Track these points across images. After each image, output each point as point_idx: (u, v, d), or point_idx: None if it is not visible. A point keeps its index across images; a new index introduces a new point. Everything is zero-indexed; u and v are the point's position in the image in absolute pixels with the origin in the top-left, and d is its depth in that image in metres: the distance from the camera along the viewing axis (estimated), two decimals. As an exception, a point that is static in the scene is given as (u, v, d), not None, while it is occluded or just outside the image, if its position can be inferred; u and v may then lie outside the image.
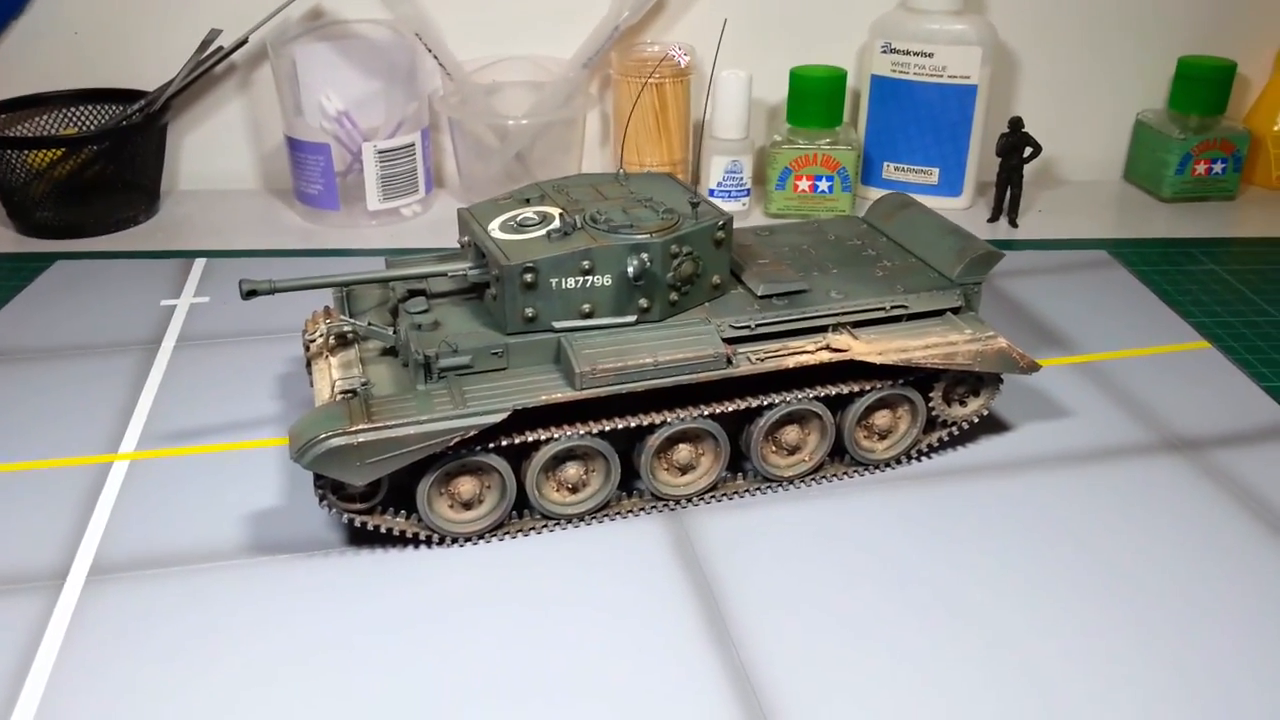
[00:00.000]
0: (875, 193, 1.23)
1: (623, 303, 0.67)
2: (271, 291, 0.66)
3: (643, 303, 0.67)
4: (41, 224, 1.11)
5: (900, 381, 0.71)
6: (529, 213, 0.70)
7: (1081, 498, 0.71)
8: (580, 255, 0.65)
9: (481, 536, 0.67)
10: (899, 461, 0.74)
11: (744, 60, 1.20)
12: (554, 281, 0.65)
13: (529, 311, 0.66)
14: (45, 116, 1.18)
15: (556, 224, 0.68)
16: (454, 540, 0.67)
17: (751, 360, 0.67)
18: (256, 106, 1.23)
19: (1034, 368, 0.73)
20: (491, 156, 1.18)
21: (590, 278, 0.66)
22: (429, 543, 0.66)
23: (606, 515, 0.69)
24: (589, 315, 0.67)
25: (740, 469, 0.72)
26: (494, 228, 0.69)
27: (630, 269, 0.65)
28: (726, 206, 1.16)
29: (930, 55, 1.16)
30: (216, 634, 0.60)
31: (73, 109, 1.18)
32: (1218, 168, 1.23)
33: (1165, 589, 0.63)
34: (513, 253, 0.65)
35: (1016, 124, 1.14)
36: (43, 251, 1.08)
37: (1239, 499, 0.71)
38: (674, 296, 0.68)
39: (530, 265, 0.64)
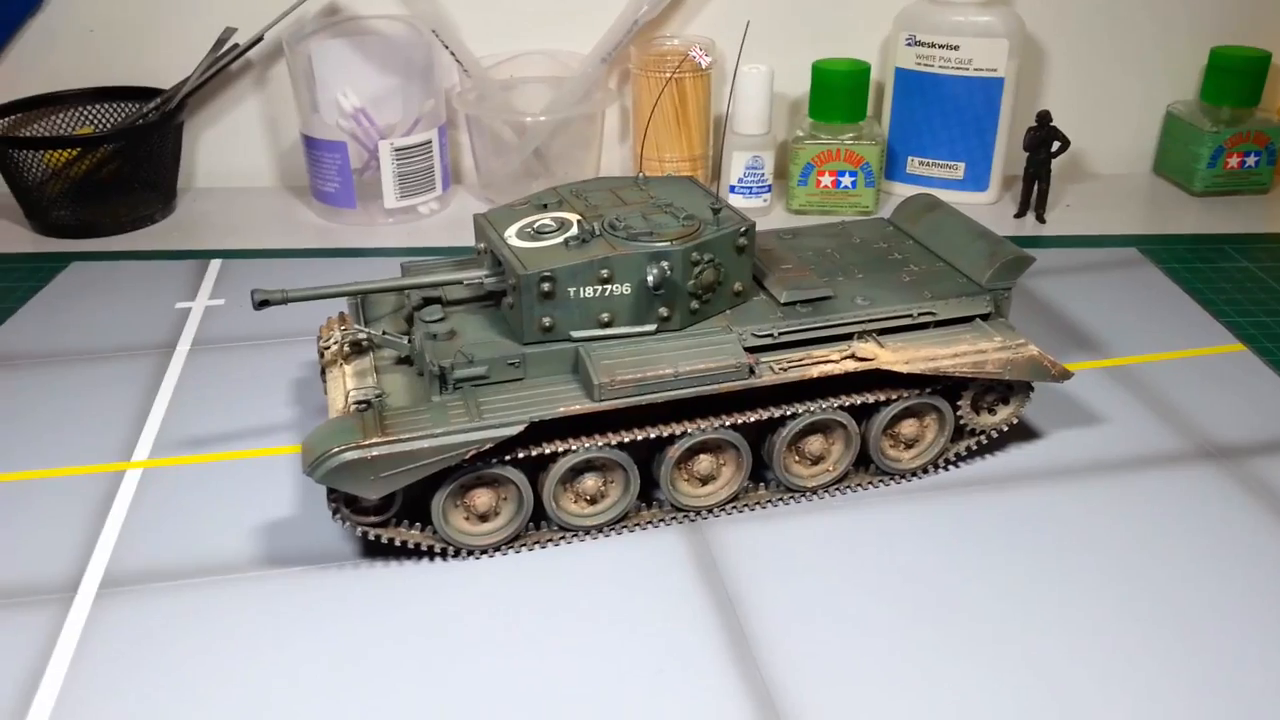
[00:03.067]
0: (899, 188, 1.21)
1: (642, 311, 0.65)
2: (284, 301, 0.65)
3: (663, 311, 0.66)
4: (58, 223, 1.11)
5: (928, 390, 0.69)
6: (546, 219, 0.68)
7: (1114, 509, 0.69)
8: (599, 264, 0.63)
9: (498, 549, 0.66)
10: (926, 471, 0.72)
11: (765, 53, 1.17)
12: (572, 291, 0.64)
13: (546, 321, 0.64)
14: (60, 115, 1.17)
15: (574, 231, 0.66)
16: (470, 553, 0.65)
17: (774, 370, 0.66)
18: (272, 103, 1.21)
19: (1065, 375, 0.71)
20: (510, 153, 1.16)
21: (609, 286, 0.64)
22: (444, 555, 0.65)
23: (625, 527, 0.68)
24: (608, 324, 0.65)
25: (762, 478, 0.70)
26: (510, 234, 0.67)
27: (650, 278, 0.64)
28: (748, 203, 1.14)
29: (956, 48, 1.13)
30: (230, 649, 0.59)
31: (88, 107, 1.17)
32: (1250, 161, 1.20)
33: (1198, 604, 0.62)
34: (530, 261, 0.64)
35: (1044, 118, 1.12)
36: (60, 251, 1.07)
37: (1276, 510, 0.69)
38: (695, 305, 0.67)
39: (547, 274, 0.63)
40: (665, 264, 0.64)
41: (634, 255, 0.64)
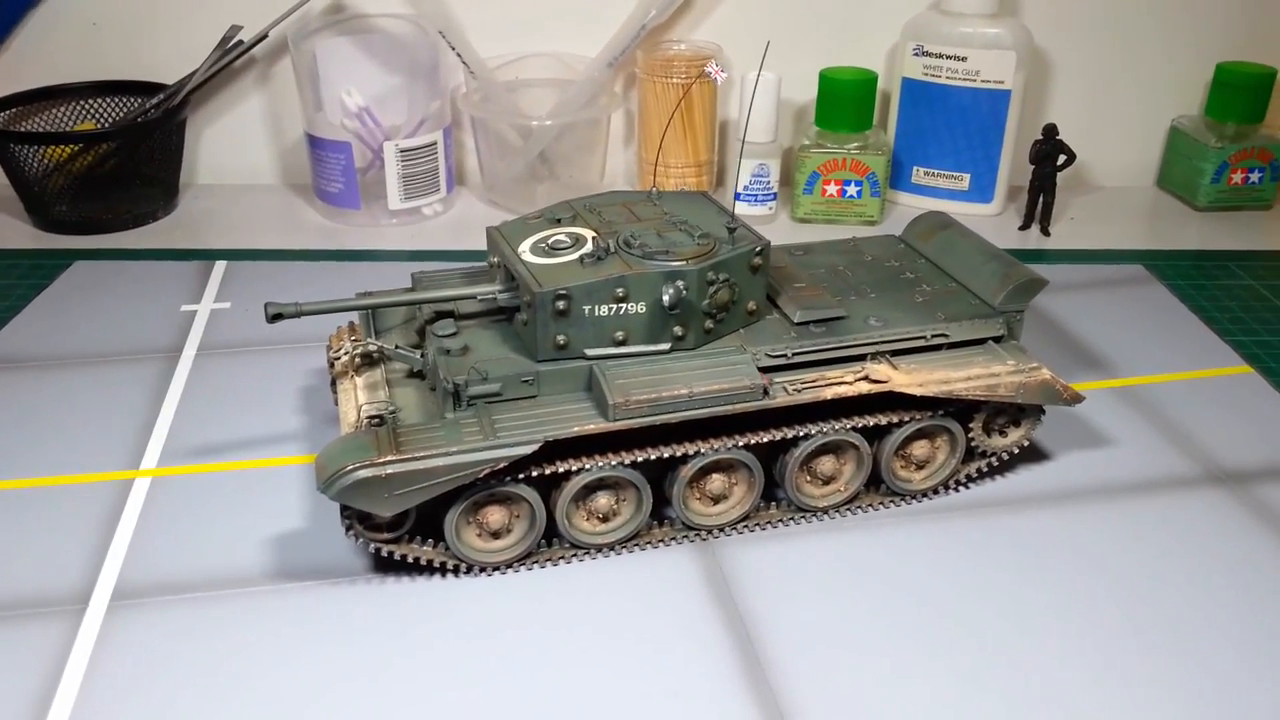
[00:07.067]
0: (904, 197, 1.21)
1: (657, 330, 0.65)
2: (298, 315, 0.65)
3: (677, 330, 0.65)
4: (59, 219, 1.10)
5: (940, 412, 0.69)
6: (561, 234, 0.68)
7: (1122, 533, 0.69)
8: (614, 282, 0.63)
9: (509, 566, 0.66)
10: (936, 492, 0.72)
11: (772, 60, 1.17)
12: (587, 309, 0.63)
13: (560, 339, 0.64)
14: (62, 109, 1.16)
15: (589, 248, 0.66)
16: (481, 569, 0.65)
17: (788, 391, 0.65)
18: (277, 101, 1.21)
19: (1077, 399, 0.71)
20: (515, 155, 1.16)
21: (624, 305, 0.64)
22: (456, 571, 0.65)
23: (637, 545, 0.68)
24: (622, 343, 0.65)
25: (774, 498, 0.70)
26: (525, 250, 0.67)
27: (666, 297, 0.64)
28: (753, 210, 1.14)
29: (964, 59, 1.13)
30: (243, 664, 0.59)
31: (90, 101, 1.17)
32: (1254, 177, 1.21)
33: (1206, 631, 0.62)
34: (545, 278, 0.64)
35: (1050, 131, 1.12)
36: (61, 248, 1.07)
37: (1283, 537, 0.69)
38: (709, 324, 0.66)
39: (563, 292, 0.63)
40: (681, 283, 0.64)
41: (650, 274, 0.64)
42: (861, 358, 0.68)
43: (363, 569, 0.65)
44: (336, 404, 0.69)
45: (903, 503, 0.72)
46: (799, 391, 0.66)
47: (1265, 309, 1.00)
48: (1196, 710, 0.57)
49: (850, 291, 0.73)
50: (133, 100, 1.16)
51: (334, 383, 0.71)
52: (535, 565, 0.66)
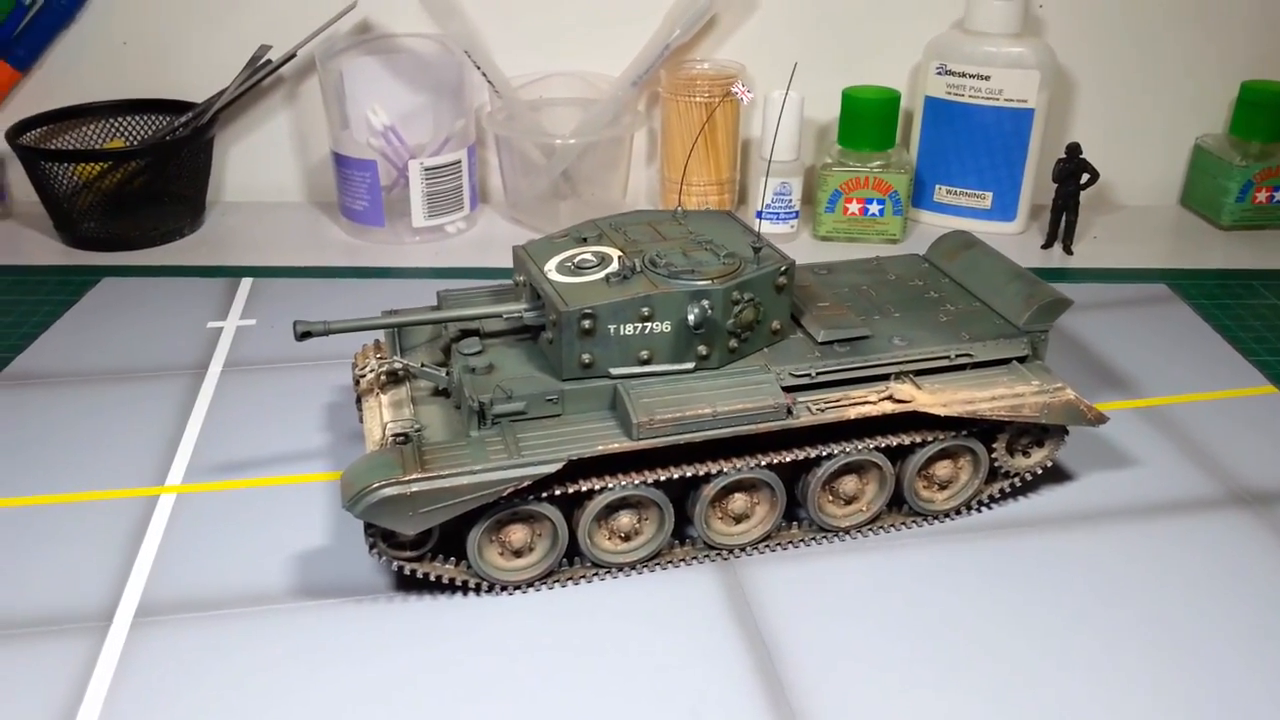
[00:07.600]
0: (926, 216, 1.21)
1: (681, 350, 0.65)
2: (326, 333, 0.65)
3: (702, 350, 0.66)
4: (88, 236, 1.11)
5: (964, 432, 0.69)
6: (587, 253, 0.68)
7: (1145, 554, 0.69)
8: (640, 302, 0.64)
9: (531, 585, 0.66)
10: (958, 512, 0.72)
11: (795, 79, 1.17)
12: (612, 328, 0.64)
13: (586, 358, 0.64)
14: (92, 127, 1.18)
15: (615, 267, 0.66)
16: (503, 588, 0.65)
17: (812, 410, 0.65)
18: (303, 119, 1.22)
19: (1101, 420, 0.71)
20: (538, 173, 1.16)
21: (649, 324, 0.64)
22: (478, 590, 0.65)
23: (658, 564, 0.68)
24: (647, 362, 0.65)
25: (795, 517, 0.70)
26: (550, 269, 0.68)
27: (691, 317, 0.64)
28: (775, 229, 1.14)
29: (987, 78, 1.13)
30: (264, 681, 0.59)
31: (119, 119, 1.18)
32: (1279, 196, 1.20)
33: (1228, 653, 0.61)
34: (571, 297, 0.64)
35: (1074, 150, 1.12)
36: (89, 265, 1.08)
37: (1311, 560, 0.69)
38: (733, 343, 0.67)
39: (589, 311, 0.63)
40: (706, 303, 0.64)
41: (675, 293, 0.64)
42: (885, 377, 0.68)
43: (385, 587, 0.65)
44: (361, 421, 0.70)
45: (925, 523, 0.72)
46: (822, 411, 0.66)
47: (1291, 329, 0.99)
48: (1224, 736, 0.57)
49: (874, 311, 0.73)
50: (161, 119, 1.18)
51: (359, 400, 0.72)
52: (557, 584, 0.66)
